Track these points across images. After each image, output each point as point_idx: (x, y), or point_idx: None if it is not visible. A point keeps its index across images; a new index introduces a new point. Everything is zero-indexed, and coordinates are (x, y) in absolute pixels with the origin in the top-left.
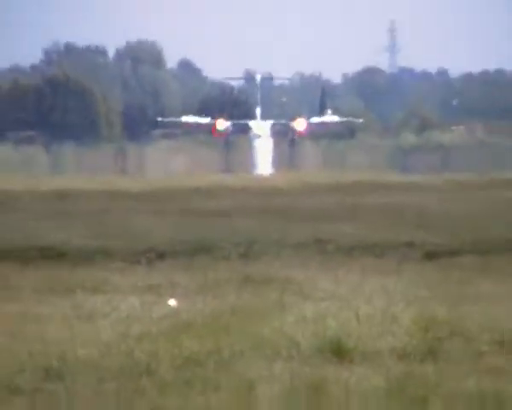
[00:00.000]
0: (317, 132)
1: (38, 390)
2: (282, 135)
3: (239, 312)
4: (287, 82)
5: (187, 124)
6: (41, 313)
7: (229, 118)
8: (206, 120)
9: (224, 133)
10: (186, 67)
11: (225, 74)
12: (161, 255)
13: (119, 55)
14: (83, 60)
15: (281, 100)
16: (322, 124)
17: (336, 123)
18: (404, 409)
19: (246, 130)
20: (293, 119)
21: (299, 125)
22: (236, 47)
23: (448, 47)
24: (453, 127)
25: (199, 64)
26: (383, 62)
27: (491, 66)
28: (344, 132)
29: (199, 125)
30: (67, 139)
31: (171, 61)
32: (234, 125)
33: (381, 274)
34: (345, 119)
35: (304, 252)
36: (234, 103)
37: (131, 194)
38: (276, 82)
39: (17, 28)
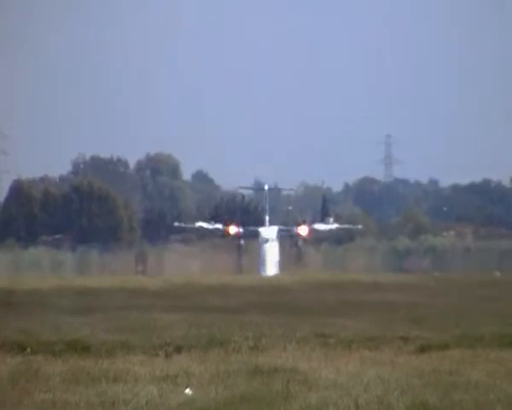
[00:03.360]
0: (319, 237)
1: None
2: (288, 239)
3: (248, 400)
4: (292, 192)
5: (201, 229)
6: (68, 400)
7: (239, 224)
8: (218, 226)
9: (235, 238)
10: (200, 177)
11: (236, 184)
12: (178, 348)
13: (140, 166)
14: (106, 170)
15: (287, 208)
16: (324, 230)
17: (337, 228)
18: None
19: (255, 235)
20: (297, 225)
21: (303, 231)
22: (247, 159)
23: (438, 160)
24: (444, 233)
25: (212, 175)
26: (379, 173)
27: (478, 177)
28: (344, 237)
29: (212, 230)
30: (92, 242)
31: (187, 172)
32: (244, 230)
33: (377, 365)
34: (345, 225)
35: (307, 345)
36: (244, 211)
37: (151, 292)
38: (283, 192)
39: (47, 142)
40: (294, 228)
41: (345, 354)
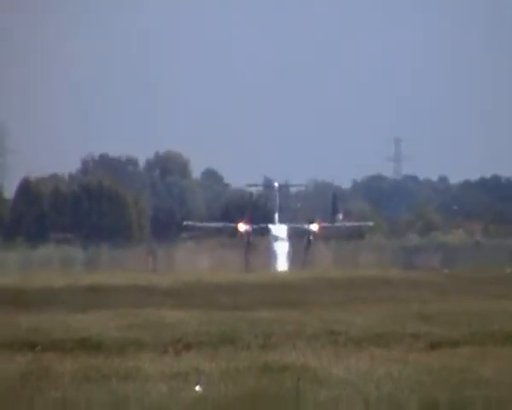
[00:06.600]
0: (329, 234)
1: None
2: (298, 237)
3: (258, 397)
4: (302, 188)
5: (211, 227)
6: (79, 398)
7: (249, 221)
8: (228, 224)
9: (245, 235)
10: (210, 175)
11: (245, 182)
12: (188, 346)
13: (149, 164)
14: (115, 169)
15: (296, 205)
16: (335, 227)
17: (347, 226)
18: None
19: (265, 232)
20: (309, 222)
21: (315, 227)
22: (256, 157)
23: (448, 156)
24: (454, 230)
25: (221, 173)
26: (389, 170)
27: (488, 173)
28: (354, 234)
29: (221, 228)
30: (102, 240)
31: (196, 171)
32: (254, 228)
33: (388, 362)
34: (355, 223)
35: (318, 342)
36: (253, 208)
37: (161, 289)
38: (292, 189)
39: (56, 140)
40: (306, 225)
41: (355, 351)
